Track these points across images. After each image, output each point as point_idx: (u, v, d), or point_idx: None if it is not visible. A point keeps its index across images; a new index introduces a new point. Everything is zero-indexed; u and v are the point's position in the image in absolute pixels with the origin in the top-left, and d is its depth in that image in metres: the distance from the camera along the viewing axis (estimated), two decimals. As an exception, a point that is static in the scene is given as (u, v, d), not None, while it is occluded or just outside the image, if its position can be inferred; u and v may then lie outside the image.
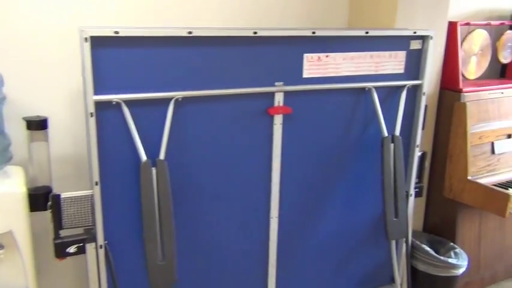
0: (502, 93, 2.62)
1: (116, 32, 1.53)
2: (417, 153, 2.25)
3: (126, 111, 1.60)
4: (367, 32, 1.96)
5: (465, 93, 2.47)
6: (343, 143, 2.08)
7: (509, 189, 2.41)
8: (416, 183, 2.41)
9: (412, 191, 2.29)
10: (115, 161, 1.64)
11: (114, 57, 1.56)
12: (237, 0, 2.20)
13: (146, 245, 1.64)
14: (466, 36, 2.56)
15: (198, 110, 1.74)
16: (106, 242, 1.68)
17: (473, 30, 2.58)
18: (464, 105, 2.42)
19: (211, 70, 1.73)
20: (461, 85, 2.51)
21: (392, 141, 2.08)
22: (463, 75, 2.60)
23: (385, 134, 2.07)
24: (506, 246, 2.85)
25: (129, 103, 1.61)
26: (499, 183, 2.50)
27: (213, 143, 1.80)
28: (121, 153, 1.64)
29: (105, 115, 1.59)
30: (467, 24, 2.55)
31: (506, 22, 2.74)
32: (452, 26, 2.49)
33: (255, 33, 1.74)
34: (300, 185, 2.03)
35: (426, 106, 2.42)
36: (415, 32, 2.06)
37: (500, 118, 2.61)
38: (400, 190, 2.11)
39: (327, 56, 1.93)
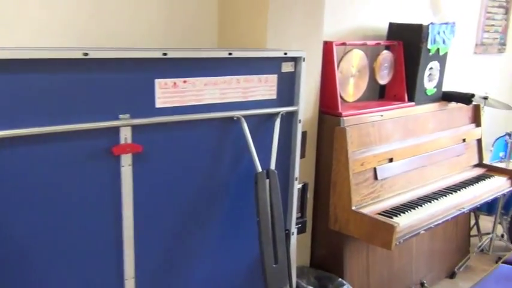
0: (382, 115, 2.51)
1: None
2: (296, 187, 2.02)
3: None
4: (230, 54, 1.69)
5: (345, 118, 2.31)
6: (211, 181, 1.78)
7: (394, 217, 2.28)
8: (298, 218, 2.19)
9: (294, 229, 2.06)
10: None
11: None
12: (70, 18, 1.83)
13: None
14: (343, 56, 2.42)
15: (16, 154, 1.34)
16: None
17: (349, 51, 2.45)
18: (344, 131, 2.25)
19: (30, 103, 1.34)
20: (340, 109, 2.35)
21: (268, 177, 1.83)
22: (342, 98, 2.45)
23: (259, 168, 1.80)
24: (394, 273, 2.74)
25: None
26: (384, 211, 2.36)
27: (40, 195, 1.40)
28: None
29: None
30: (343, 44, 2.41)
31: (382, 42, 2.65)
32: (328, 46, 2.33)
33: (86, 54, 1.38)
34: (161, 235, 1.69)
35: (305, 133, 2.23)
36: (285, 53, 1.84)
37: (381, 142, 2.49)
38: (279, 231, 1.85)
39: (184, 82, 1.62)
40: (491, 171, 3.12)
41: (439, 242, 3.07)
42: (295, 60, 1.89)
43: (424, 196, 2.60)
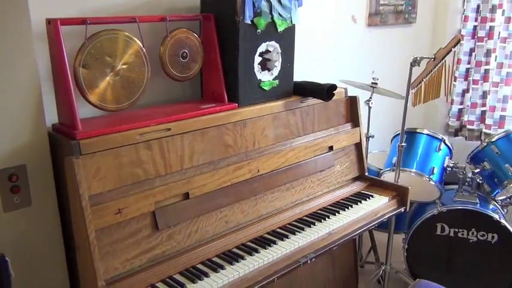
0: (169, 129, 1.65)
1: None
2: None
3: None
4: None
5: (82, 141, 1.44)
6: None
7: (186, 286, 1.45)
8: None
9: None
10: None
11: None
12: None
13: None
14: (85, 42, 1.52)
15: None
16: None
17: (101, 32, 1.56)
18: (71, 164, 1.39)
19: None
20: (79, 126, 1.48)
21: None
22: (98, 107, 1.58)
23: None
24: None
25: None
26: (165, 279, 1.54)
27: None
28: None
29: None
30: (84, 22, 1.51)
31: (169, 16, 1.74)
32: (51, 28, 1.45)
33: None
34: None
35: (24, 167, 1.38)
36: None
37: (170, 170, 1.63)
38: None
39: None
40: (374, 186, 2.30)
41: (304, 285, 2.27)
42: None
43: (250, 242, 1.77)
